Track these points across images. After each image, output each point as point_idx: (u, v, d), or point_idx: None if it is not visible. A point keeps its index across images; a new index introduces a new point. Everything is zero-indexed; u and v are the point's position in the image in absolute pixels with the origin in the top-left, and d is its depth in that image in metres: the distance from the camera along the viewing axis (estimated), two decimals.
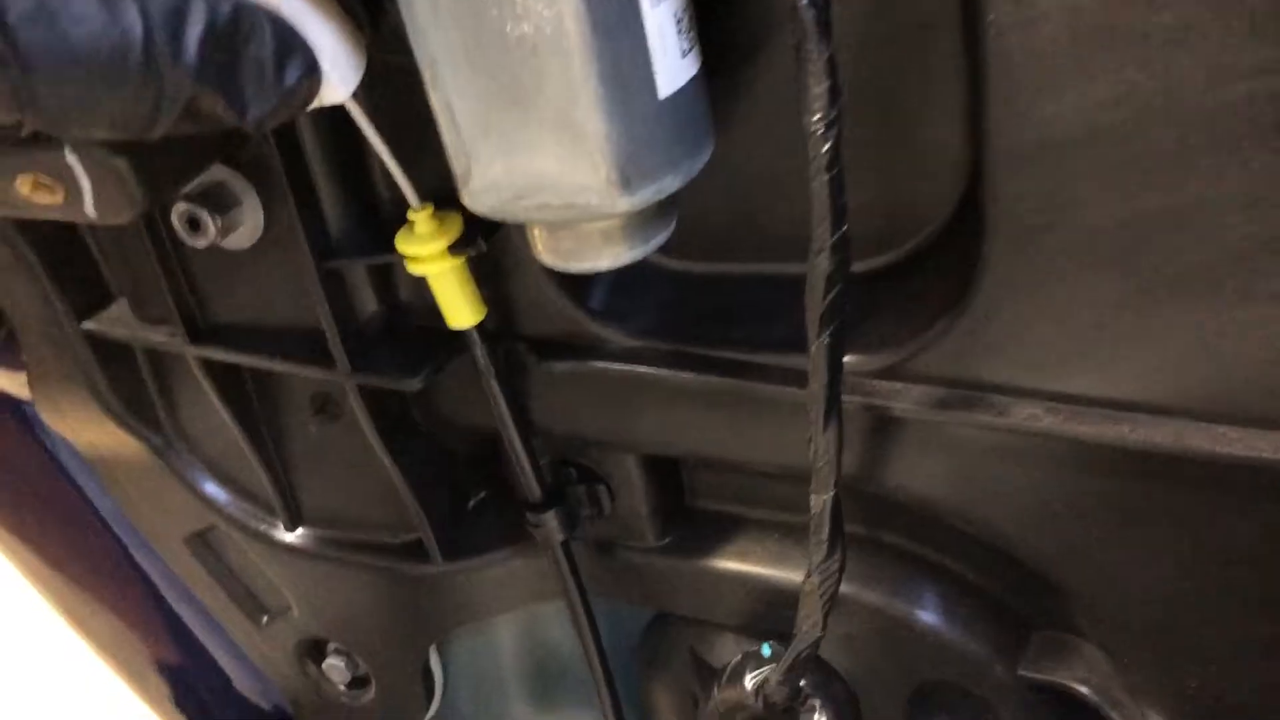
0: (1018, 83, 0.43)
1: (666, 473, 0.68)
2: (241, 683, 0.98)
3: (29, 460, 0.85)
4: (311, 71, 0.45)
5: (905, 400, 0.53)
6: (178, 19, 0.40)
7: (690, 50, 0.45)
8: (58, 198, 0.49)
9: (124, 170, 0.48)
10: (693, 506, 0.70)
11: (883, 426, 0.55)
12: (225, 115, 0.43)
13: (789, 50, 0.48)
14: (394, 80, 0.50)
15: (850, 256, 0.45)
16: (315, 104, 0.47)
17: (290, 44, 0.44)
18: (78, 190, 0.49)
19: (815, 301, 0.46)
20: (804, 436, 0.57)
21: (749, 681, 0.62)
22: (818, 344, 0.47)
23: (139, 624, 0.92)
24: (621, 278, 0.61)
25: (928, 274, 0.53)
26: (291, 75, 0.44)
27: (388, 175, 0.58)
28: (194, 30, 0.40)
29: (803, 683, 0.59)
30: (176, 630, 0.93)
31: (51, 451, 0.85)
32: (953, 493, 0.56)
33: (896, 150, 0.51)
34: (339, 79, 0.47)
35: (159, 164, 0.49)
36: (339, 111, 0.56)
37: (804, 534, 0.65)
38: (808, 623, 0.54)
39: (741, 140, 0.49)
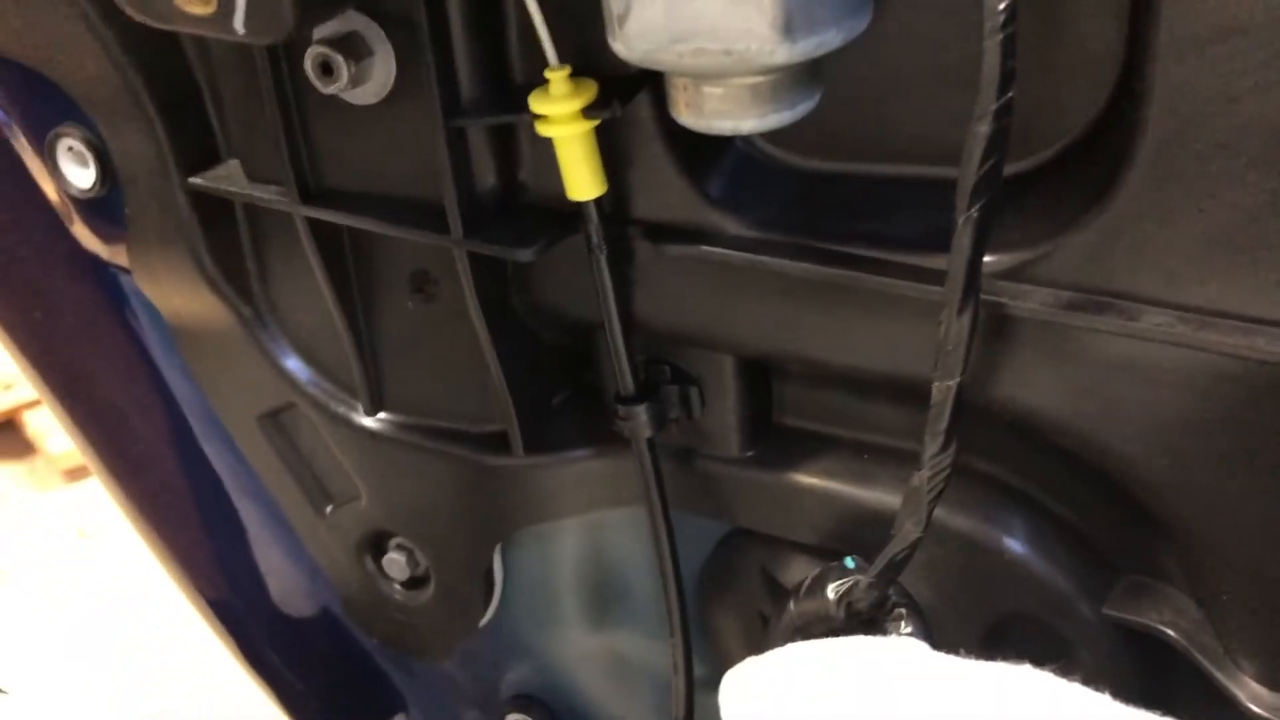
0: None
1: (759, 383, 0.67)
2: (279, 592, 0.98)
3: (106, 328, 0.85)
4: None
5: (1031, 301, 0.52)
6: None
7: None
8: (209, 8, 0.49)
9: None
10: (780, 423, 0.69)
11: (1002, 331, 0.54)
12: None
13: None
14: None
15: (1010, 126, 0.45)
16: None
17: None
18: (231, 2, 0.49)
19: (969, 171, 0.45)
20: (917, 341, 0.56)
21: (832, 590, 0.60)
22: (965, 216, 0.46)
23: (192, 511, 0.92)
24: (741, 169, 0.60)
25: (1065, 178, 0.53)
26: None
27: (522, 40, 0.58)
28: None
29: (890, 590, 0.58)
30: (230, 524, 0.93)
31: (131, 323, 0.85)
32: (1066, 406, 0.55)
33: (1044, 47, 0.50)
34: None
35: None
36: None
37: (893, 456, 0.65)
38: (909, 522, 0.53)
39: (873, 36, 0.49)
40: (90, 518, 2.43)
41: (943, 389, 0.50)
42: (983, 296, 0.52)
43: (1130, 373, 0.52)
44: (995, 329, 0.54)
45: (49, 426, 2.66)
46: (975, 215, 0.46)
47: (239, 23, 0.49)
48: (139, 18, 0.50)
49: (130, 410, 0.90)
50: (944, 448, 0.51)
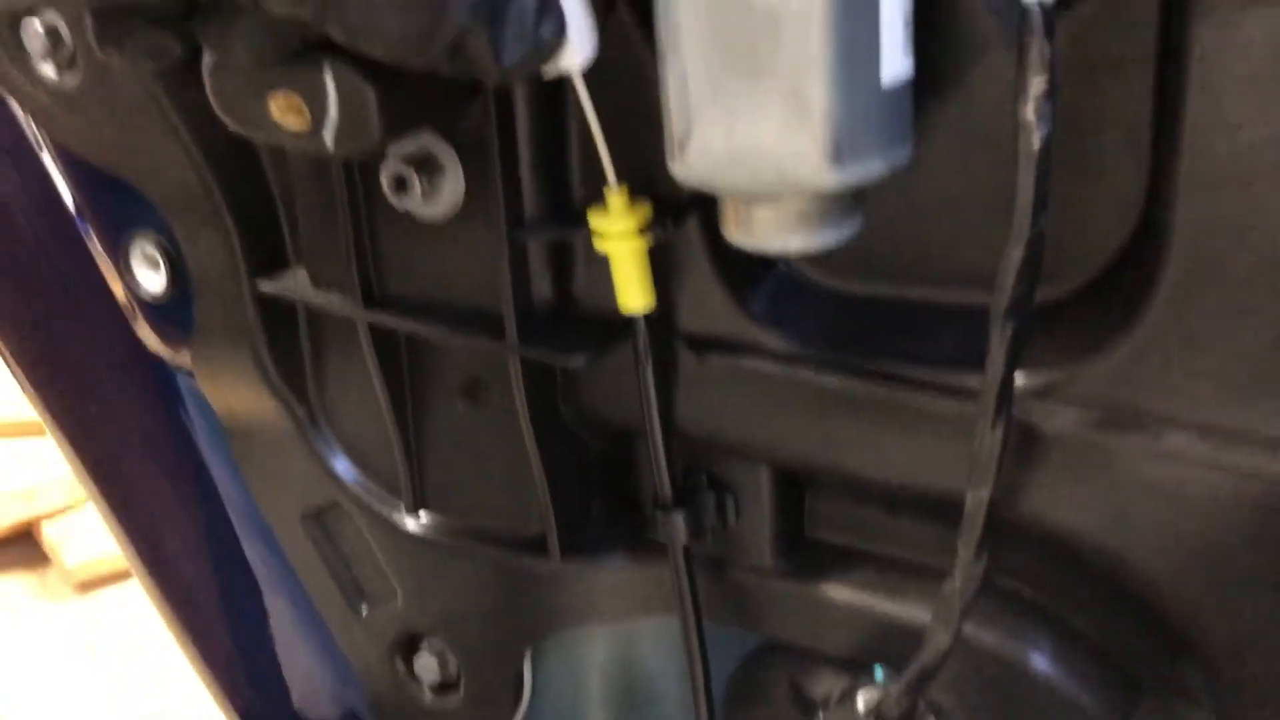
0: (1215, 109, 0.46)
1: (793, 495, 0.69)
2: (303, 695, 0.99)
3: (158, 426, 0.88)
4: (561, 32, 0.49)
5: (1060, 420, 0.54)
6: None
7: (910, 52, 0.49)
8: (303, 121, 0.54)
9: (371, 101, 0.52)
10: (812, 536, 0.71)
11: (1032, 448, 0.56)
12: (483, 56, 0.47)
13: (975, 83, 0.53)
14: (602, 73, 0.55)
15: (1043, 251, 0.48)
16: (553, 68, 0.51)
17: (549, 3, 0.49)
18: (323, 115, 0.53)
19: (1004, 292, 0.48)
20: (949, 457, 0.59)
21: (862, 702, 0.62)
22: (999, 335, 0.49)
23: (223, 610, 0.94)
24: (784, 289, 0.64)
25: (1093, 303, 0.56)
26: (546, 31, 0.48)
27: (583, 162, 0.63)
28: None
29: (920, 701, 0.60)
30: (260, 624, 0.94)
31: (183, 422, 0.88)
32: (1094, 524, 0.57)
33: (1073, 180, 0.54)
34: (579, 47, 0.51)
35: (400, 104, 0.54)
36: (549, 97, 0.61)
37: (923, 572, 0.67)
38: (941, 630, 0.55)
39: (912, 166, 0.53)
40: (99, 633, 2.43)
41: (976, 499, 0.52)
42: (1014, 413, 0.55)
43: (1157, 492, 0.54)
44: (1025, 446, 0.57)
45: (66, 538, 2.68)
46: (1009, 334, 0.49)
47: (329, 138, 0.54)
48: (239, 130, 0.55)
49: (174, 507, 0.92)
50: (976, 557, 0.53)
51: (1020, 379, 0.55)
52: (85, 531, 2.67)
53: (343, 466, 0.79)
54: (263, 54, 0.49)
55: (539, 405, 0.68)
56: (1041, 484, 0.57)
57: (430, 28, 0.45)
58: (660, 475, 0.66)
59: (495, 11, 0.46)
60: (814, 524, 0.71)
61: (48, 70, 0.72)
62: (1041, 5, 0.45)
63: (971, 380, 0.56)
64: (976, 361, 0.53)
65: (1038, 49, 0.45)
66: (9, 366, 0.90)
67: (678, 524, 0.67)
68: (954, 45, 0.53)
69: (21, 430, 2.85)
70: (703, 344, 0.63)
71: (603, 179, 0.59)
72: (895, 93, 0.49)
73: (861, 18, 0.46)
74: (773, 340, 0.61)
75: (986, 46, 0.53)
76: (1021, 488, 0.58)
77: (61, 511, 2.75)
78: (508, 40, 0.47)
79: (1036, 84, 0.45)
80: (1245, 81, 0.45)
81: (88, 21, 0.48)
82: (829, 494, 0.69)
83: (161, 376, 0.87)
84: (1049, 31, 0.45)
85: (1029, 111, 0.46)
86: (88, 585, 2.62)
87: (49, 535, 2.71)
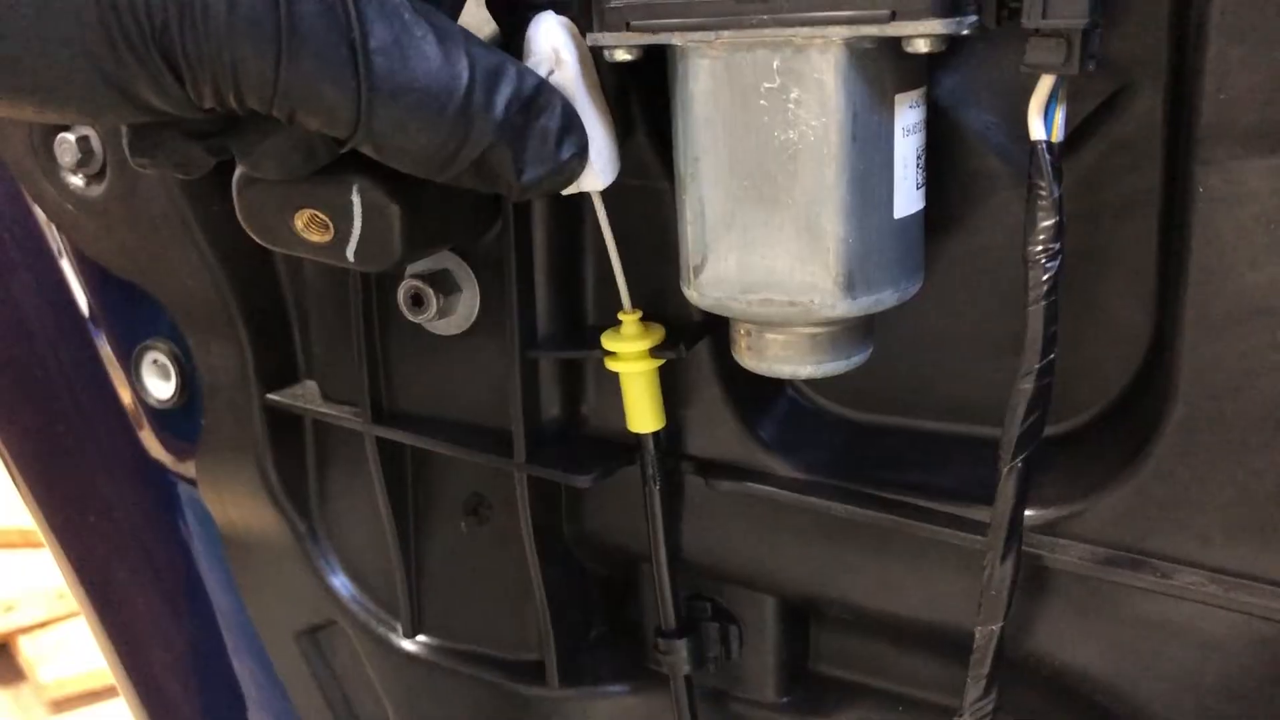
0: (1219, 254, 0.48)
1: (798, 627, 0.68)
2: None
3: (156, 535, 0.88)
4: (582, 153, 0.51)
5: (1068, 555, 0.54)
6: (495, 78, 0.47)
7: (921, 187, 0.51)
8: (327, 236, 0.55)
9: (395, 218, 0.53)
10: (816, 670, 0.70)
11: (1040, 584, 0.56)
12: (506, 173, 0.48)
13: (984, 220, 0.55)
14: (618, 195, 0.56)
15: (1052, 385, 0.49)
16: (574, 187, 0.53)
17: (572, 124, 0.50)
18: (347, 232, 0.54)
19: (1013, 425, 0.49)
20: (956, 591, 0.58)
21: None
22: (1009, 467, 0.49)
23: None
24: (792, 416, 0.64)
25: (1100, 439, 0.56)
26: (567, 151, 0.50)
27: (597, 285, 0.64)
28: (505, 90, 0.47)
29: None
30: None
31: (181, 531, 0.87)
32: (1101, 662, 0.56)
33: (1079, 319, 0.55)
34: (600, 169, 0.53)
35: (422, 224, 0.55)
36: (566, 219, 0.62)
37: (928, 710, 0.66)
38: None
39: (922, 299, 0.54)
40: None
41: (985, 634, 0.52)
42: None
43: (1164, 631, 0.54)
44: (1033, 582, 0.56)
45: (43, 654, 2.62)
46: (1019, 466, 0.49)
47: (351, 251, 0.55)
48: (263, 243, 0.56)
49: (163, 620, 0.91)
50: (985, 693, 0.53)
51: (1027, 513, 0.55)
52: (62, 648, 2.62)
53: (341, 584, 0.78)
54: (294, 170, 0.50)
55: (543, 525, 0.68)
56: (1049, 620, 0.57)
57: (457, 145, 0.46)
58: (664, 602, 0.65)
59: (519, 130, 0.48)
60: (819, 657, 0.70)
61: (76, 180, 0.74)
62: (1049, 145, 0.46)
63: (980, 513, 0.56)
64: (984, 494, 0.53)
65: (1046, 188, 0.46)
66: (8, 469, 0.90)
67: (680, 653, 0.66)
68: (964, 183, 0.55)
69: (1, 541, 2.82)
70: (710, 468, 0.63)
71: (616, 300, 0.60)
72: (907, 226, 0.50)
73: (876, 154, 0.48)
74: (781, 467, 0.62)
75: (995, 186, 0.55)
76: (1029, 624, 0.57)
77: (40, 626, 2.70)
78: (529, 159, 0.49)
79: (1045, 222, 0.46)
80: (1249, 228, 0.47)
81: (124, 136, 0.49)
82: (835, 626, 0.68)
83: (162, 484, 0.87)
84: (1057, 172, 0.46)
85: (1038, 249, 0.47)
86: (62, 704, 2.55)
87: (25, 650, 2.65)
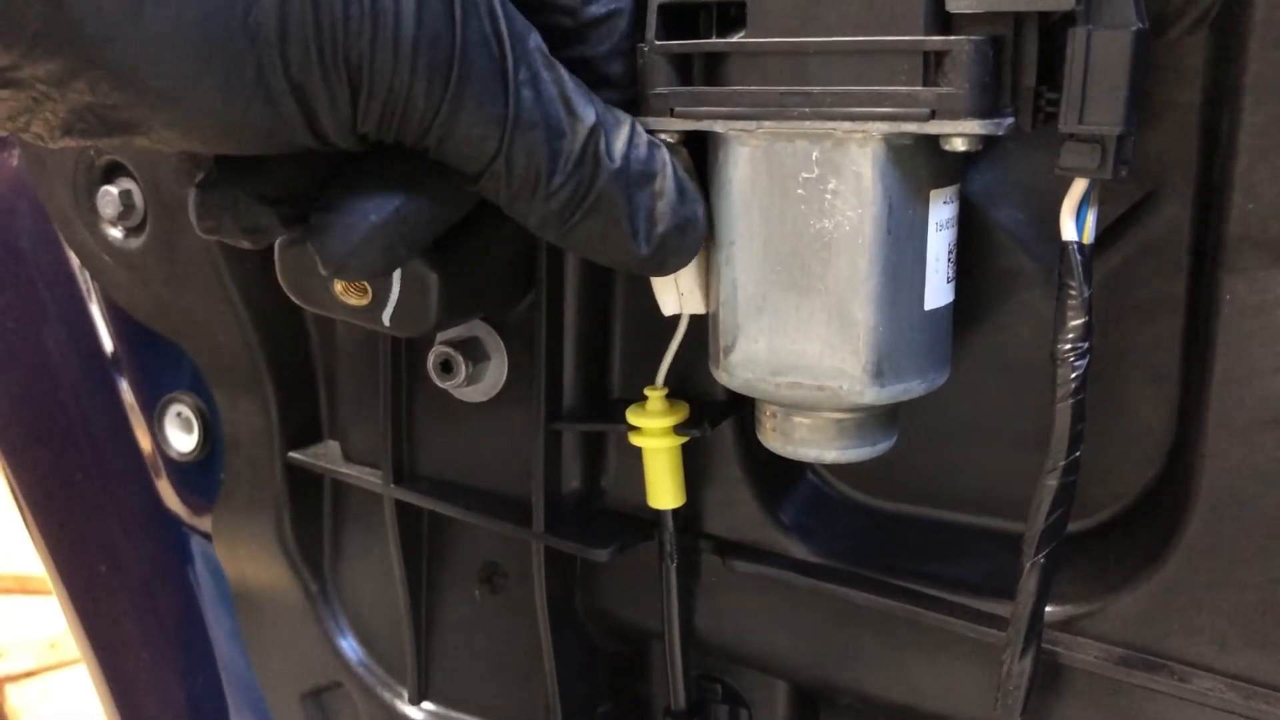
0: (1244, 361, 0.48)
1: (807, 714, 0.68)
2: None
3: (165, 588, 0.87)
4: (700, 216, 0.51)
5: (1084, 654, 0.54)
6: (617, 127, 0.48)
7: (952, 281, 0.52)
8: (364, 300, 0.56)
9: (433, 286, 0.54)
10: None
11: (1056, 681, 0.56)
12: (623, 226, 0.48)
13: (1012, 316, 0.56)
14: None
15: (1077, 482, 0.49)
16: (674, 309, 0.54)
17: (686, 187, 0.50)
18: (385, 297, 0.55)
19: (1038, 520, 0.49)
20: (970, 684, 0.58)
21: None
22: (1031, 563, 0.49)
23: None
24: (813, 501, 0.65)
25: (1120, 539, 0.56)
26: (689, 209, 0.50)
27: (624, 360, 0.65)
28: (625, 137, 0.48)
29: None
30: None
31: (190, 585, 0.87)
32: None
33: (1103, 419, 0.56)
34: (701, 299, 0.54)
35: (459, 292, 0.56)
36: (595, 294, 0.63)
37: None
38: None
39: (947, 391, 0.54)
40: None
41: None
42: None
43: None
44: (1049, 679, 0.56)
45: (31, 703, 2.59)
46: (1041, 562, 0.49)
47: (387, 316, 0.56)
48: (299, 303, 0.57)
49: (166, 673, 0.90)
50: None
51: (1046, 610, 0.55)
52: (52, 698, 2.58)
53: (349, 646, 0.78)
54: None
55: (557, 597, 0.68)
56: (1063, 718, 0.56)
57: (578, 184, 0.46)
58: (674, 681, 0.65)
59: (639, 179, 0.48)
60: None
61: (115, 232, 0.76)
62: (1080, 246, 0.47)
63: (998, 607, 0.56)
64: (1004, 588, 0.53)
65: (1077, 288, 0.47)
66: (21, 513, 0.90)
67: None
68: (994, 279, 0.56)
69: None
70: (728, 549, 0.63)
71: (641, 375, 0.61)
72: (937, 319, 0.51)
73: (909, 247, 0.49)
74: (799, 550, 0.62)
75: (1024, 283, 0.55)
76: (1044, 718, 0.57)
77: (27, 675, 2.67)
78: (650, 213, 0.48)
79: (1074, 321, 0.47)
80: (1275, 335, 0.47)
81: (191, 199, 0.48)
82: (845, 715, 0.68)
83: (175, 537, 0.87)
84: (1087, 272, 0.47)
85: (1066, 348, 0.47)
86: None
87: (13, 699, 2.62)
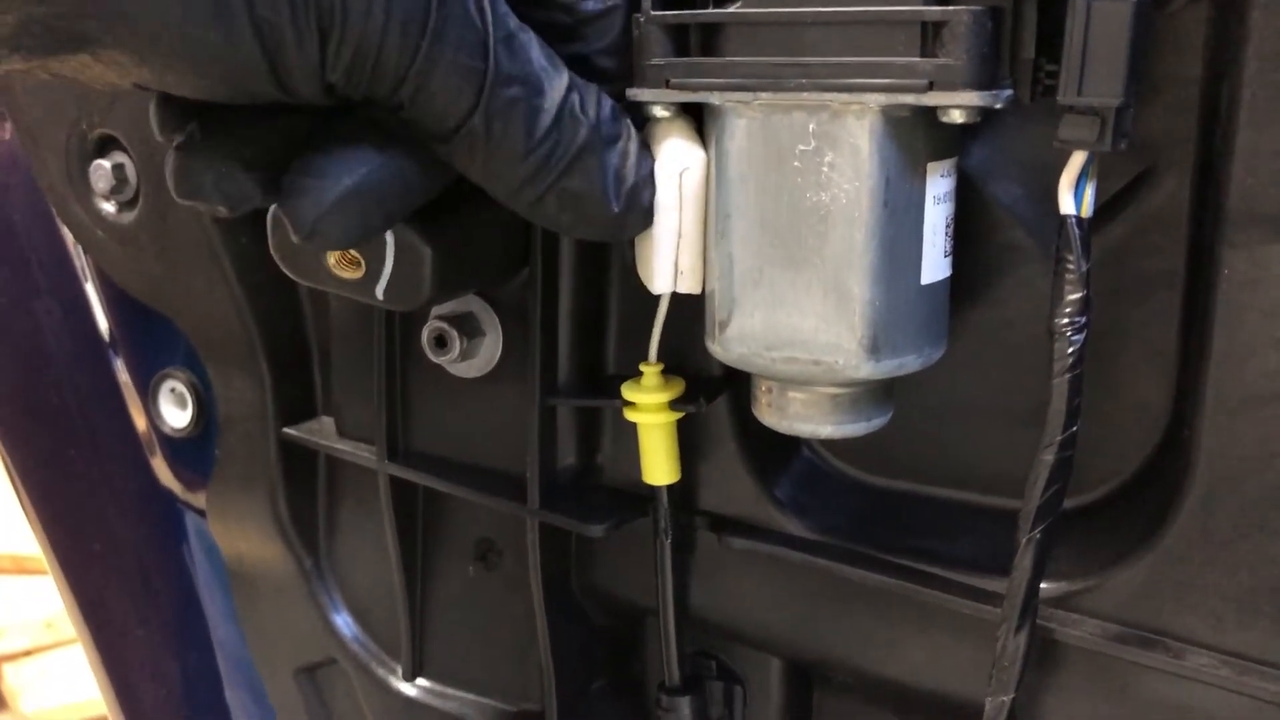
0: (1242, 336, 0.48)
1: (803, 691, 0.68)
2: None
3: (159, 565, 0.87)
4: (653, 181, 0.51)
5: (1079, 630, 0.54)
6: (589, 89, 0.48)
7: (949, 255, 0.51)
8: (358, 273, 0.56)
9: (427, 259, 0.54)
10: None
11: (1050, 658, 0.56)
12: (596, 187, 0.48)
13: (1009, 291, 0.55)
14: None
15: (1073, 458, 0.49)
16: (664, 287, 0.53)
17: (645, 150, 0.51)
18: (379, 270, 0.55)
19: (1033, 495, 0.49)
20: (964, 661, 0.58)
21: None
22: (1027, 538, 0.49)
23: None
24: (808, 477, 0.64)
25: (1115, 515, 0.56)
26: (646, 166, 0.50)
27: (619, 336, 0.65)
28: (596, 100, 0.48)
29: None
30: None
31: (185, 562, 0.87)
32: None
33: (1099, 395, 0.55)
34: (697, 279, 0.54)
35: (453, 265, 0.56)
36: (591, 269, 0.63)
37: None
38: None
39: (943, 366, 0.54)
40: None
41: (996, 705, 0.51)
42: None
43: (1174, 712, 0.53)
44: (1043, 655, 0.56)
45: (26, 683, 2.60)
46: (1037, 538, 0.49)
47: (381, 290, 0.55)
48: (293, 276, 0.56)
49: (161, 652, 0.90)
50: None
51: (1042, 586, 0.55)
52: (47, 678, 2.59)
53: (343, 622, 0.78)
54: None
55: (552, 574, 0.67)
56: (1058, 695, 0.56)
57: (552, 146, 0.46)
58: (669, 657, 0.65)
59: (609, 141, 0.48)
60: None
61: (108, 206, 0.75)
62: (1079, 220, 0.47)
63: (993, 583, 0.55)
64: (999, 565, 0.53)
65: (1074, 262, 0.47)
66: (15, 491, 0.90)
67: (683, 711, 0.65)
68: (991, 254, 0.56)
69: None
70: (723, 524, 0.63)
71: (637, 351, 0.60)
72: (933, 293, 0.51)
73: (906, 220, 0.48)
74: (794, 526, 0.62)
75: (1021, 258, 0.55)
76: (1038, 697, 0.57)
77: (24, 655, 2.67)
78: (619, 173, 0.49)
79: (1072, 296, 0.47)
80: (1273, 311, 0.47)
81: (170, 163, 0.46)
82: (839, 691, 0.68)
83: (169, 514, 0.87)
84: (1085, 246, 0.47)
85: (1064, 322, 0.47)
86: None
87: (8, 679, 2.62)
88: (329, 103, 0.44)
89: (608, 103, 0.48)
